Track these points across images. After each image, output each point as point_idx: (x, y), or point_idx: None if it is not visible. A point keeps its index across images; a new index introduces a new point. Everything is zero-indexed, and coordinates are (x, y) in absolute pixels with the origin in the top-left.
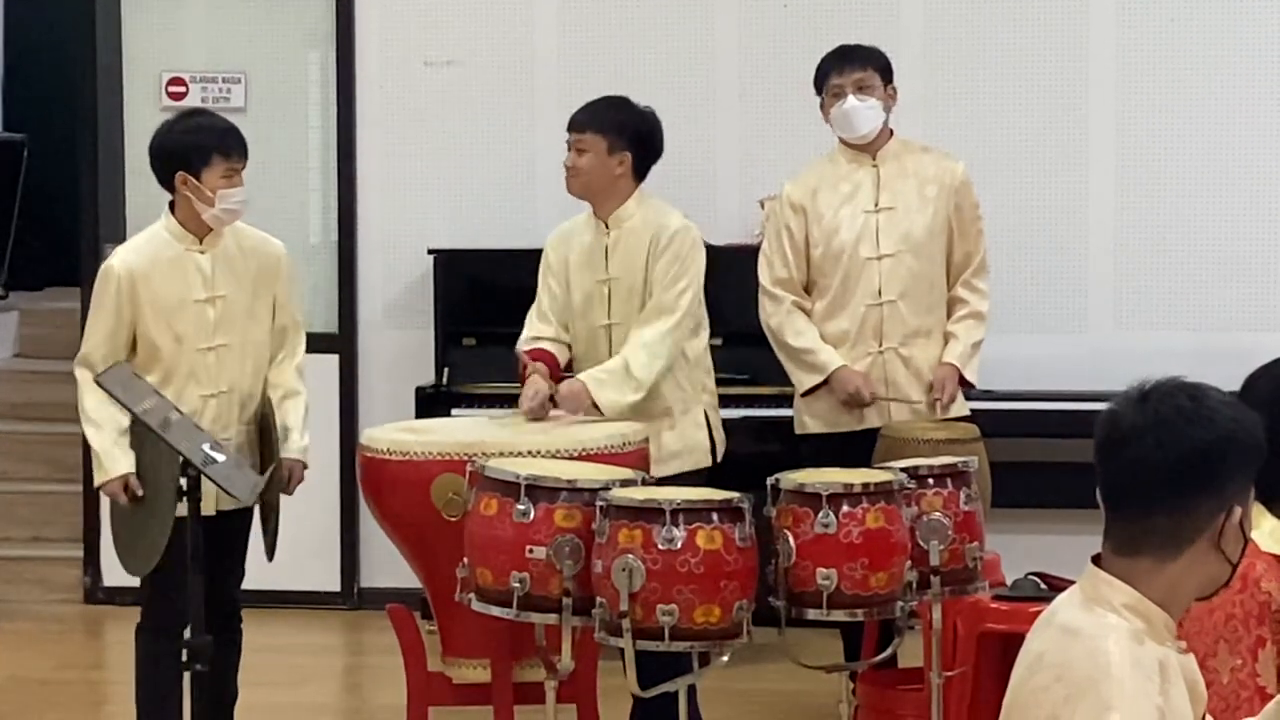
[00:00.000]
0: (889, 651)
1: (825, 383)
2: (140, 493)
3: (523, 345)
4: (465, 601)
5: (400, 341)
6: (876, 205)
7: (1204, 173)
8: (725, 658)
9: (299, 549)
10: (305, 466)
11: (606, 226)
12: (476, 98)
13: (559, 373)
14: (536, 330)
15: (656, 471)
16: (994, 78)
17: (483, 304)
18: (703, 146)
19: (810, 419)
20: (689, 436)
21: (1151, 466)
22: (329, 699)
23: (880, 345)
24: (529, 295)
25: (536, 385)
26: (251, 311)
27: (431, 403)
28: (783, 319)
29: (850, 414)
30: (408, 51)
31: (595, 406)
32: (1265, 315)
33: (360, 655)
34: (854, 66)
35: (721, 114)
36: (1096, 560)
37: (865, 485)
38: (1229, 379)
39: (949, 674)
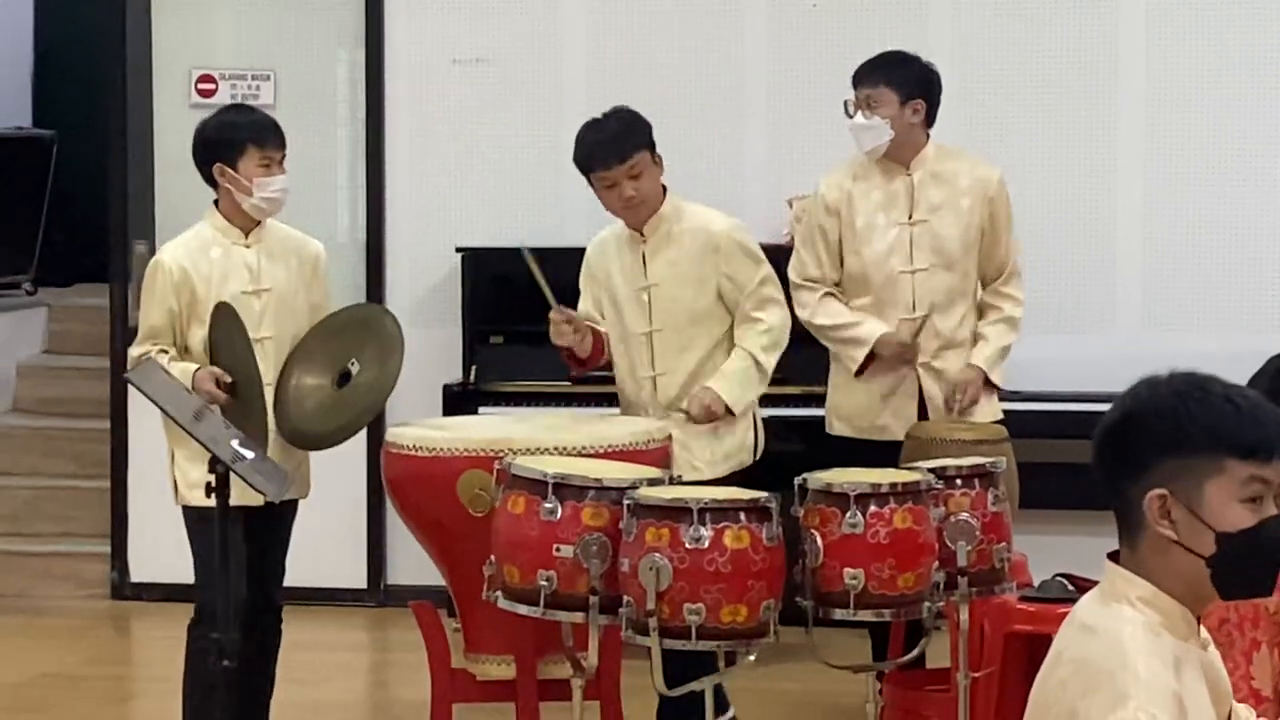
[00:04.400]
0: (916, 652)
1: (874, 356)
2: (229, 379)
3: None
4: (492, 599)
5: (428, 339)
6: (911, 218)
7: (1233, 172)
8: (752, 657)
9: (325, 546)
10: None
11: (643, 235)
12: (505, 96)
13: (601, 354)
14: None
15: (712, 472)
16: (1022, 77)
17: (510, 302)
18: (731, 145)
19: (838, 420)
20: (743, 436)
21: (1094, 455)
22: (354, 695)
23: (914, 359)
24: (558, 293)
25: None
26: (293, 306)
27: (459, 400)
28: (816, 306)
29: (881, 414)
30: (437, 50)
31: (728, 410)
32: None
33: (385, 652)
34: (866, 82)
35: (750, 113)
36: (1114, 557)
37: (893, 485)
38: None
39: (976, 675)
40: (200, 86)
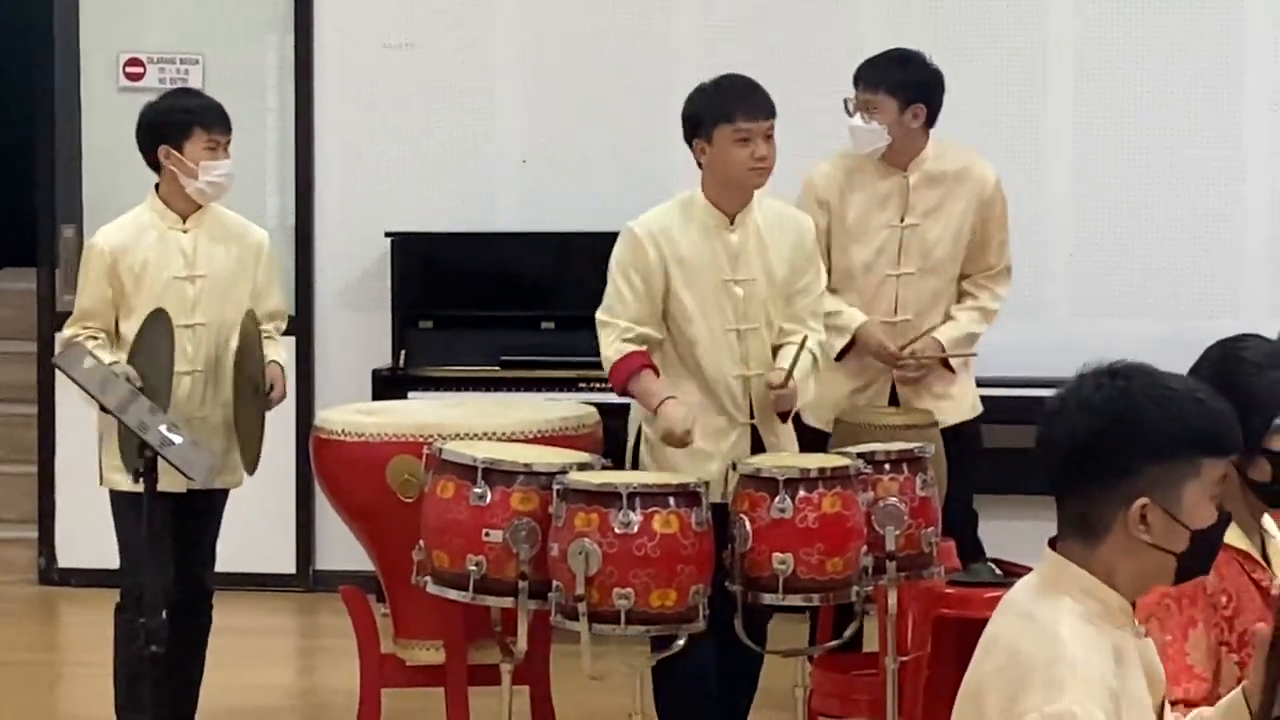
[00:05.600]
0: (846, 636)
1: (854, 343)
2: (139, 384)
3: (622, 351)
4: (421, 584)
5: (357, 324)
6: (902, 220)
7: (1160, 159)
8: (681, 641)
9: (254, 531)
10: (283, 370)
11: (731, 223)
12: (435, 81)
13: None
14: (637, 333)
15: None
16: (949, 64)
17: (440, 287)
18: (661, 129)
19: (809, 411)
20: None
21: (1054, 450)
22: (283, 681)
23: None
24: (486, 278)
25: (683, 408)
26: (229, 294)
27: (388, 385)
28: None
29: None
30: (367, 35)
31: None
32: (1222, 302)
33: (315, 637)
34: (866, 86)
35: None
36: (1053, 543)
37: (821, 471)
38: (1186, 366)
39: (904, 659)
40: (128, 70)
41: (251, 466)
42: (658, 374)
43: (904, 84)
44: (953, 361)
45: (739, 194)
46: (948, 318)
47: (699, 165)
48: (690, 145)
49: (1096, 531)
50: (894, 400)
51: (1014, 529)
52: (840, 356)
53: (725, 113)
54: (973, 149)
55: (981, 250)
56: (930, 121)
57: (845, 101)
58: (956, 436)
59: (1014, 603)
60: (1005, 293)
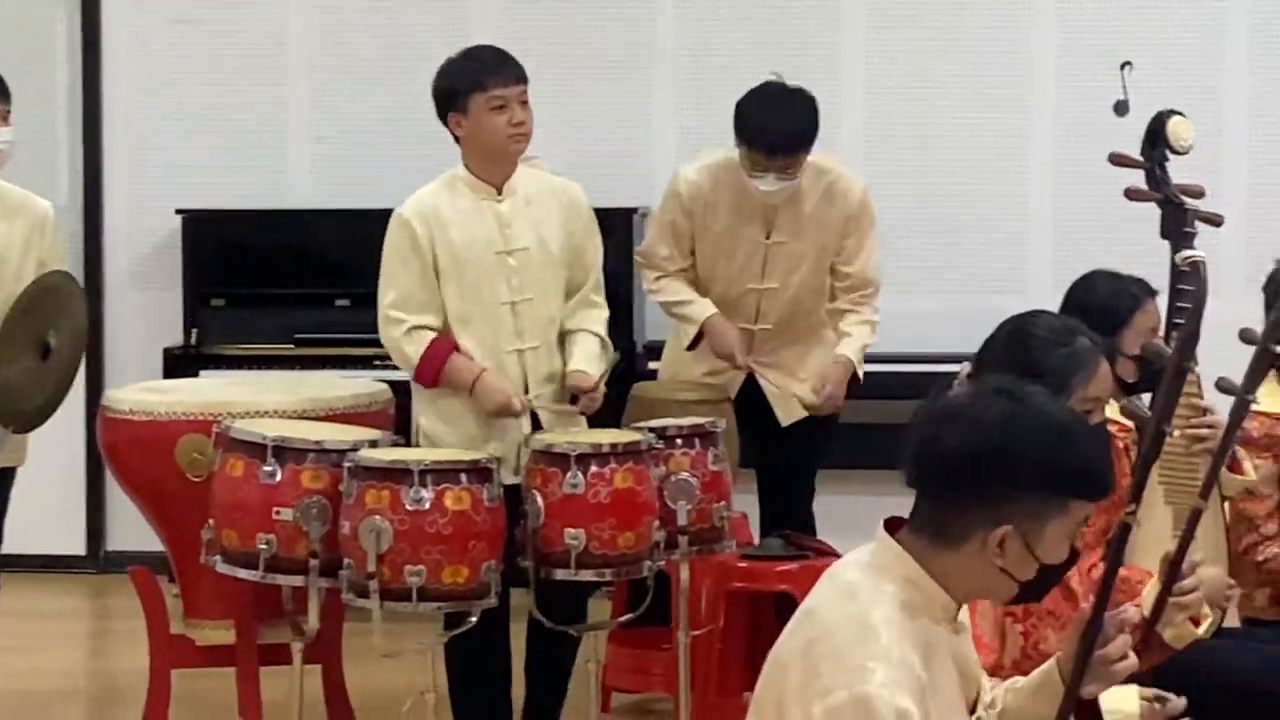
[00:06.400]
0: (640, 610)
1: (703, 336)
2: None
3: (421, 347)
4: (211, 564)
5: (148, 302)
6: (769, 237)
7: (955, 136)
8: (474, 618)
9: (44, 512)
10: None
11: (499, 194)
12: (226, 57)
13: None
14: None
15: None
16: (738, 47)
17: (232, 265)
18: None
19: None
20: None
21: (934, 457)
22: (73, 663)
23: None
24: (279, 256)
25: (502, 376)
26: (15, 266)
27: (180, 363)
28: (652, 284)
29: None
30: (155, 9)
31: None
32: (1011, 279)
33: (105, 619)
34: (785, 156)
35: None
36: (890, 526)
37: (613, 446)
38: (976, 342)
39: (697, 633)
40: None
41: (17, 426)
42: (459, 350)
43: (814, 136)
44: (817, 350)
45: (501, 163)
46: (841, 336)
47: (456, 141)
48: (445, 122)
49: (950, 540)
50: (752, 385)
51: (850, 504)
52: (691, 347)
53: (479, 81)
54: (837, 161)
55: (849, 260)
56: None
57: (747, 168)
58: (820, 419)
59: (838, 577)
60: (877, 305)
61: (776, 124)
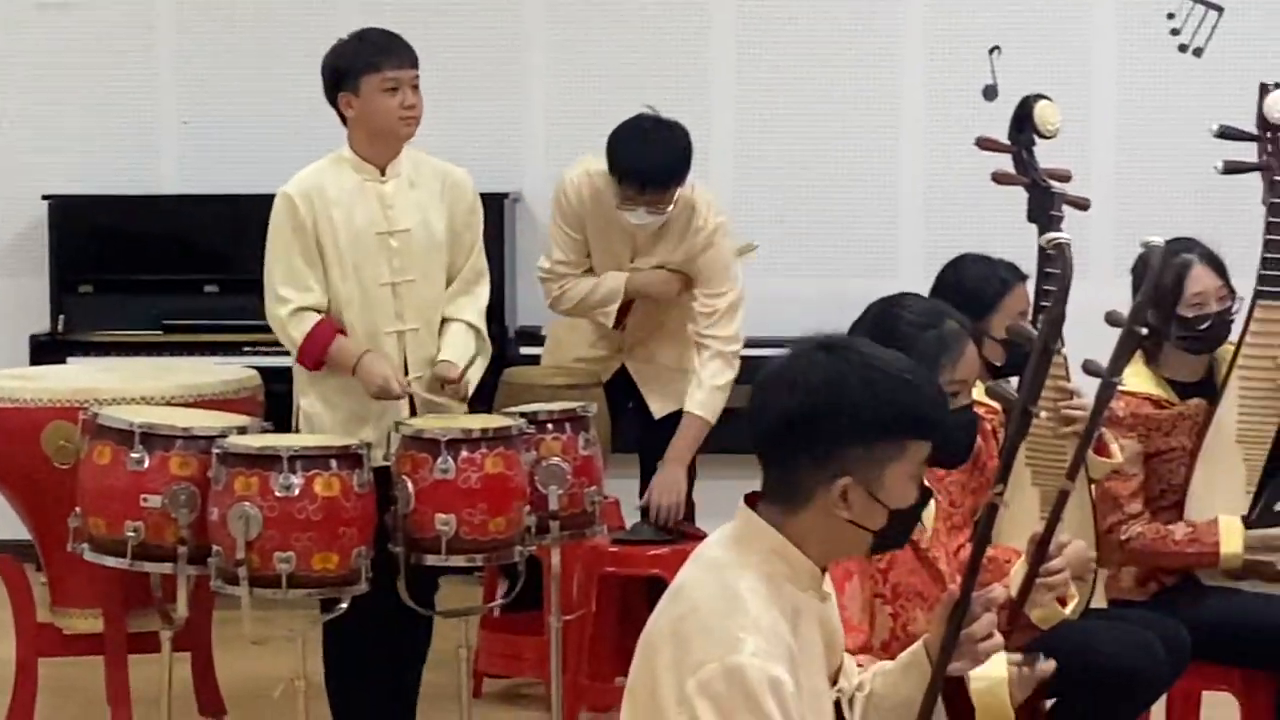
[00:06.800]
0: (511, 595)
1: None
2: None
3: (305, 328)
4: (78, 551)
5: (13, 289)
6: (633, 260)
7: (824, 117)
8: (345, 604)
9: None
10: None
11: (383, 174)
12: (93, 40)
13: None
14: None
15: None
16: (606, 28)
17: (100, 251)
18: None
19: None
20: None
21: (764, 420)
22: None
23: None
24: (148, 241)
25: (381, 358)
26: None
27: (47, 351)
28: (556, 294)
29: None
30: None
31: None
32: (881, 261)
33: None
34: (655, 191)
35: None
36: (751, 500)
37: (484, 431)
38: (845, 325)
39: (568, 617)
40: None
41: None
42: (343, 333)
43: (685, 171)
44: (683, 340)
45: (389, 145)
46: (697, 382)
47: (343, 121)
48: (333, 102)
49: (796, 501)
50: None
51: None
52: (618, 325)
53: (372, 62)
54: (705, 193)
55: (706, 284)
56: None
57: (622, 203)
58: None
59: (703, 554)
60: (735, 329)
61: (647, 159)
